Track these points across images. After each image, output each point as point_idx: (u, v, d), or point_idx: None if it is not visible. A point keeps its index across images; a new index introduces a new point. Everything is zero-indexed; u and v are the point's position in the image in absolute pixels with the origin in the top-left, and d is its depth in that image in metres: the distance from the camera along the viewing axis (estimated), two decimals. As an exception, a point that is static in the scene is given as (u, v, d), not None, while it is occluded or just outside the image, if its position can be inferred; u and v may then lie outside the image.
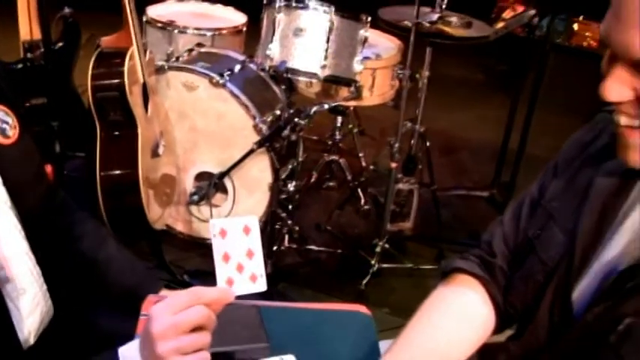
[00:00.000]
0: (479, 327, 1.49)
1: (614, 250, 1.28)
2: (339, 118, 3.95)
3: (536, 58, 3.73)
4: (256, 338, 1.48)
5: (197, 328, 1.19)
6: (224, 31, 3.70)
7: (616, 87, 1.12)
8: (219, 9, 4.03)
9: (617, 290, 1.23)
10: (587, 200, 1.32)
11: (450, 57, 4.84)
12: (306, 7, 3.14)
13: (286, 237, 3.41)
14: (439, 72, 3.62)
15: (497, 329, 1.53)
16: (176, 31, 3.57)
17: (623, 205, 1.28)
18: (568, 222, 1.36)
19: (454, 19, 3.30)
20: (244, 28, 3.82)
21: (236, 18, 3.92)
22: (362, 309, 1.67)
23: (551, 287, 1.37)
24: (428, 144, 3.66)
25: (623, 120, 1.15)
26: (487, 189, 4.13)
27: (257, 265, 1.27)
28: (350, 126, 4.12)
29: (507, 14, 3.52)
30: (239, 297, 1.28)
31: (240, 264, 1.25)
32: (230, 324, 1.45)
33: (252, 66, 3.33)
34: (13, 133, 1.47)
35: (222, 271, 1.25)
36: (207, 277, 3.15)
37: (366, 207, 3.86)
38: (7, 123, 1.46)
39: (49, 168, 1.55)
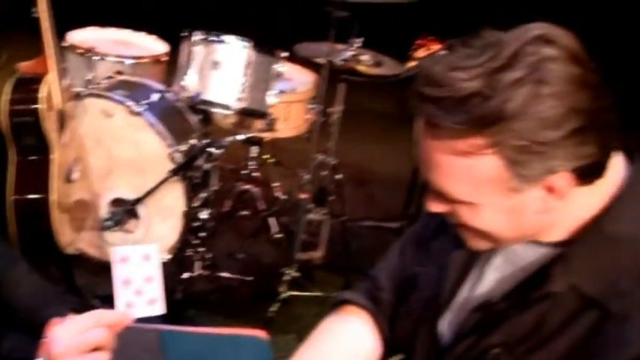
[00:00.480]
0: (364, 355, 1.59)
1: (482, 286, 1.40)
2: (254, 149, 4.05)
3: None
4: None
5: (96, 349, 1.27)
6: (145, 60, 3.75)
7: (434, 205, 1.28)
8: (141, 37, 4.08)
9: (484, 323, 1.34)
10: (459, 239, 1.41)
11: (368, 91, 4.99)
12: (223, 42, 3.25)
13: (199, 264, 3.47)
14: (357, 105, 3.77)
15: (384, 358, 1.63)
16: (96, 58, 3.60)
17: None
18: (443, 259, 1.47)
19: (366, 57, 3.46)
20: (165, 58, 3.88)
21: (157, 47, 3.98)
22: (259, 334, 1.76)
23: (424, 320, 1.48)
24: (339, 176, 3.79)
25: (453, 221, 1.31)
26: (396, 220, 4.24)
27: (155, 290, 1.37)
28: (266, 157, 4.22)
29: (420, 53, 3.68)
30: (142, 320, 1.37)
31: (139, 289, 1.35)
32: (130, 346, 1.52)
33: (170, 96, 3.40)
34: None
35: (122, 295, 1.34)
36: (117, 301, 3.21)
37: (278, 236, 3.95)
38: None
39: None
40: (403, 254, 1.62)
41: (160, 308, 1.38)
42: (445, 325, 1.44)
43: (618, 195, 1.25)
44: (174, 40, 3.67)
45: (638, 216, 1.24)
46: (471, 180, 1.18)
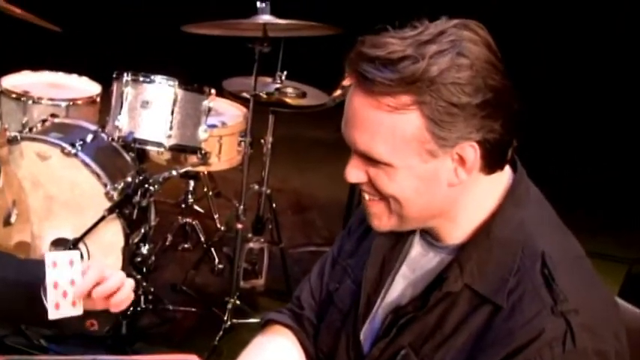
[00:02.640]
0: None
1: (393, 293, 1.55)
2: (192, 182, 4.16)
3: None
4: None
5: None
6: (79, 102, 3.84)
7: (354, 172, 1.42)
8: (74, 79, 4.14)
9: (394, 326, 1.48)
10: (370, 255, 1.58)
11: (302, 120, 5.14)
12: (152, 82, 3.37)
13: (142, 298, 3.54)
14: (291, 135, 3.88)
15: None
16: (30, 101, 3.68)
17: (399, 256, 1.56)
18: (358, 275, 1.62)
19: (290, 89, 3.60)
20: (98, 98, 3.95)
21: (90, 88, 4.05)
22: (192, 358, 1.87)
23: (345, 331, 1.61)
24: (274, 205, 3.90)
25: (366, 195, 1.45)
26: (336, 244, 4.37)
27: (78, 294, 1.52)
28: (205, 189, 4.33)
29: (346, 82, 3.81)
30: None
31: (65, 291, 1.49)
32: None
33: (104, 136, 3.47)
34: None
35: (52, 296, 1.50)
36: (64, 340, 3.26)
37: (220, 266, 4.06)
38: None
39: None
40: (321, 275, 1.76)
41: (79, 309, 1.54)
42: (367, 333, 1.57)
43: (503, 202, 1.42)
44: (106, 81, 3.76)
45: (517, 221, 1.41)
46: (394, 138, 1.33)
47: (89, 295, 1.56)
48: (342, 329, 1.62)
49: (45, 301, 1.54)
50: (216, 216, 4.37)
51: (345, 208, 4.42)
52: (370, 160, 1.38)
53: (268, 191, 3.84)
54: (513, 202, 1.42)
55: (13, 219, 3.10)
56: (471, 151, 1.34)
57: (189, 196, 4.21)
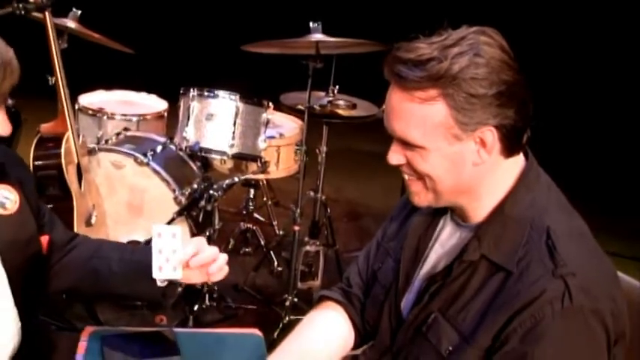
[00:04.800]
0: (339, 338, 2.00)
1: (426, 267, 1.82)
2: (252, 191, 4.48)
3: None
4: (171, 352, 1.97)
5: None
6: (148, 117, 4.18)
7: (394, 156, 1.70)
8: (143, 97, 4.50)
9: (427, 292, 1.75)
10: (407, 237, 1.87)
11: (358, 131, 5.41)
12: (215, 96, 3.71)
13: (206, 296, 3.84)
14: (347, 146, 4.11)
15: (358, 344, 2.04)
16: (105, 117, 4.05)
17: (432, 236, 1.84)
18: (398, 254, 1.90)
19: (341, 102, 3.90)
20: (165, 114, 4.30)
21: (158, 105, 4.40)
22: (255, 332, 2.16)
23: (388, 302, 1.89)
24: (329, 210, 4.19)
25: (406, 176, 1.72)
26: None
27: (177, 260, 1.78)
28: (264, 198, 4.64)
29: None
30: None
31: (168, 257, 1.77)
32: (153, 341, 1.95)
33: (172, 146, 3.81)
34: (12, 206, 1.90)
35: (156, 260, 1.77)
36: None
37: (279, 269, 4.34)
38: (8, 198, 1.90)
39: (45, 238, 2.00)
40: (367, 257, 2.06)
41: (179, 273, 1.80)
42: (406, 302, 1.85)
43: (515, 185, 1.70)
44: (171, 97, 4.13)
45: (527, 201, 1.67)
46: (425, 125, 1.59)
47: (187, 265, 1.83)
48: (385, 302, 1.89)
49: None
50: (274, 223, 4.65)
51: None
52: (407, 145, 1.64)
53: (323, 197, 4.12)
54: (525, 185, 1.69)
55: (93, 220, 3.42)
56: (490, 135, 1.60)
57: (250, 204, 4.52)
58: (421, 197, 1.72)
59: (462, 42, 1.58)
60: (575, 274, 1.55)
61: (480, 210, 1.71)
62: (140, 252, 2.05)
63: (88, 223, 3.39)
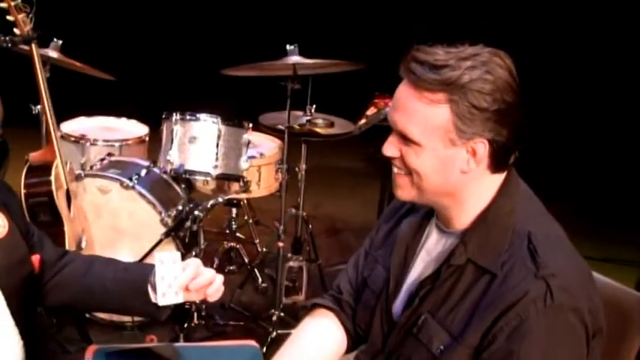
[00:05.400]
0: (333, 343, 2.11)
1: (415, 273, 1.94)
2: (234, 210, 4.58)
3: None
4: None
5: None
6: (130, 142, 4.28)
7: (390, 147, 1.80)
8: (124, 122, 4.59)
9: (416, 297, 1.87)
10: (395, 245, 1.98)
11: (336, 148, 5.52)
12: (197, 119, 3.81)
13: (195, 315, 3.91)
14: (326, 163, 4.18)
15: (350, 348, 2.15)
16: (88, 144, 4.13)
17: (419, 243, 1.96)
18: (387, 261, 2.01)
19: (319, 120, 4.04)
20: (147, 138, 4.40)
21: (139, 130, 4.49)
22: (251, 343, 2.26)
23: (379, 307, 2.00)
24: (310, 226, 4.29)
25: (396, 169, 1.82)
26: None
27: (179, 285, 1.89)
28: (245, 217, 4.74)
29: (370, 111, 4.20)
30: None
31: (170, 283, 1.87)
32: (154, 357, 2.05)
33: (156, 170, 3.89)
34: (1, 231, 1.96)
35: (160, 287, 1.87)
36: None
37: (264, 285, 4.44)
38: None
39: (36, 257, 2.06)
40: (356, 265, 2.17)
41: (181, 297, 1.90)
42: (397, 306, 1.96)
43: (497, 194, 1.82)
44: (152, 121, 4.23)
45: (508, 209, 1.80)
46: (426, 124, 1.70)
47: (187, 288, 1.93)
48: (377, 306, 2.00)
49: (151, 293, 1.95)
50: (256, 241, 4.75)
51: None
52: (404, 139, 1.75)
53: (304, 214, 4.23)
54: (506, 194, 1.81)
55: (83, 244, 3.50)
56: (482, 147, 1.72)
57: (233, 223, 4.61)
58: (404, 192, 1.83)
59: (477, 57, 1.70)
60: (555, 275, 1.67)
61: (463, 217, 1.82)
62: (133, 270, 2.13)
63: (79, 247, 3.47)
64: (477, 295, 1.76)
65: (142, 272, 1.96)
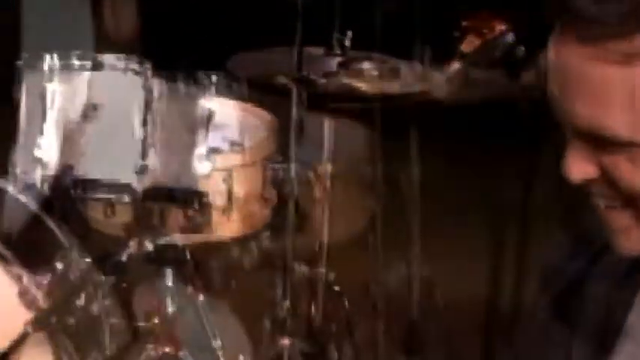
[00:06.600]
0: None
1: None
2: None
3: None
4: None
5: None
6: None
7: (578, 165, 0.94)
8: None
9: None
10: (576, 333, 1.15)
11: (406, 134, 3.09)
12: (100, 67, 1.81)
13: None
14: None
15: None
16: None
17: (618, 326, 1.08)
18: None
19: (367, 65, 1.91)
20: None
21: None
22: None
23: None
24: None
25: (602, 202, 0.96)
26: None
27: None
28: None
29: (467, 45, 2.08)
30: None
31: None
32: None
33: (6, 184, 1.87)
34: None
35: None
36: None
37: None
38: None
39: None
40: None
41: None
42: None
43: None
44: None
45: None
46: (636, 103, 0.87)
47: None
48: None
49: None
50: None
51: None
52: (601, 143, 0.89)
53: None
54: None
55: None
56: None
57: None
58: (634, 238, 0.93)
59: None
60: None
61: None
62: None
63: None
64: None
65: None
